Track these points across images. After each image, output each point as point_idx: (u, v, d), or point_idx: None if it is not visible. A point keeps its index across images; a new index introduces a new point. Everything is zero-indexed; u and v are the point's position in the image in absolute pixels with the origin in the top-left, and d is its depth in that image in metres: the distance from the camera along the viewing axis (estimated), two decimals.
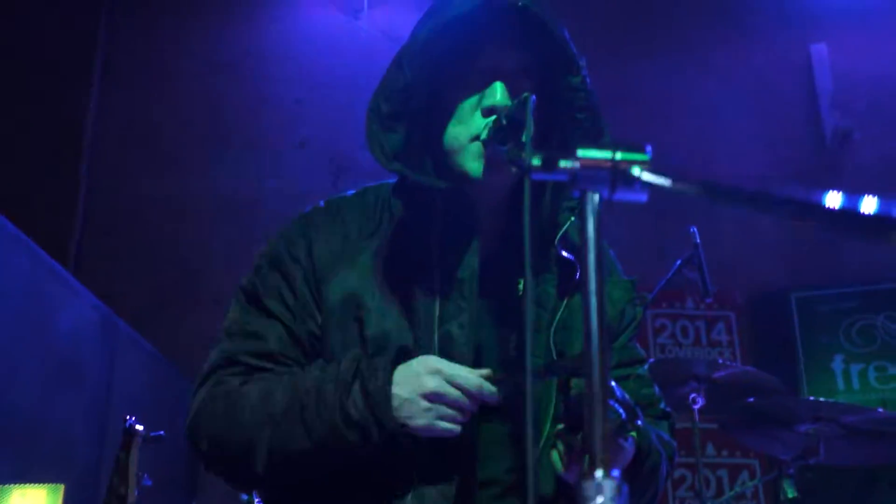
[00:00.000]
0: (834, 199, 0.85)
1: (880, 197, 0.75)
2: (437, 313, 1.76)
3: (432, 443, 1.67)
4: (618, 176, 1.25)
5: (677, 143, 6.72)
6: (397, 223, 1.89)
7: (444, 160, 1.87)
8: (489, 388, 1.66)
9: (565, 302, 1.85)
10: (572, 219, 1.76)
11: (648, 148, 1.28)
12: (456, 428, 1.65)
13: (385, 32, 6.63)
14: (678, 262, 4.62)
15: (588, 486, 1.12)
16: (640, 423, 1.69)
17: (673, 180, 1.20)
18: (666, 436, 1.96)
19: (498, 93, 1.77)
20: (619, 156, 1.26)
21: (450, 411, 1.64)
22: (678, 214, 4.77)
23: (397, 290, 1.79)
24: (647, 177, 1.24)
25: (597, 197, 1.26)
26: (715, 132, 6.85)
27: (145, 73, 6.69)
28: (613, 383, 1.66)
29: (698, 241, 4.52)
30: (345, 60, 6.63)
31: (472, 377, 1.65)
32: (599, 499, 1.11)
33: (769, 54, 7.09)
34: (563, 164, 1.28)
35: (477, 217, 1.84)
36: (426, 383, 1.63)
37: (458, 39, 1.82)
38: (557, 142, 1.87)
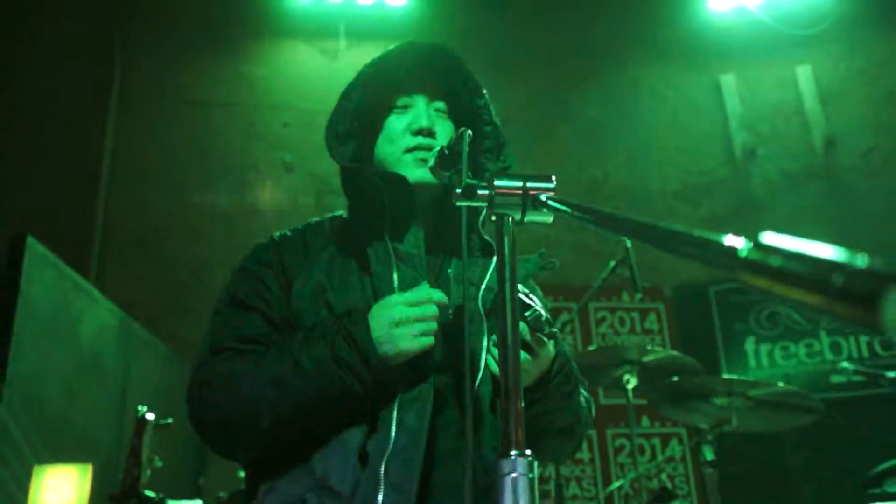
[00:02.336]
0: (699, 236, 0.86)
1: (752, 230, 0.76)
2: (395, 283, 1.81)
3: (410, 373, 1.72)
4: (527, 201, 1.29)
5: (613, 155, 6.79)
6: (349, 223, 2.00)
7: (385, 165, 1.97)
8: (438, 295, 1.72)
9: (488, 275, 1.90)
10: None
11: (553, 178, 1.32)
12: (431, 339, 1.69)
13: (357, 69, 6.66)
14: (612, 263, 4.67)
15: (505, 463, 1.16)
16: (554, 331, 1.75)
17: (573, 208, 1.24)
18: (583, 391, 2.03)
19: (421, 104, 1.96)
20: (529, 184, 1.30)
21: (421, 326, 1.68)
22: None
23: (358, 273, 1.84)
24: (553, 203, 1.28)
25: (510, 219, 1.31)
26: (644, 147, 6.91)
27: (156, 107, 6.68)
28: (534, 297, 1.72)
29: (629, 244, 4.57)
30: (324, 95, 6.63)
31: (421, 292, 1.72)
32: (514, 474, 1.15)
33: (688, 82, 7.15)
34: (481, 192, 1.33)
35: (416, 206, 1.91)
36: (393, 315, 1.68)
37: (390, 74, 1.97)
38: (471, 150, 1.88)
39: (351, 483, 1.66)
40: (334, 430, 1.72)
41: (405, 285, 1.80)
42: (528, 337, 1.67)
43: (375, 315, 1.70)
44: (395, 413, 1.70)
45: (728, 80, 7.09)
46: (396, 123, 1.96)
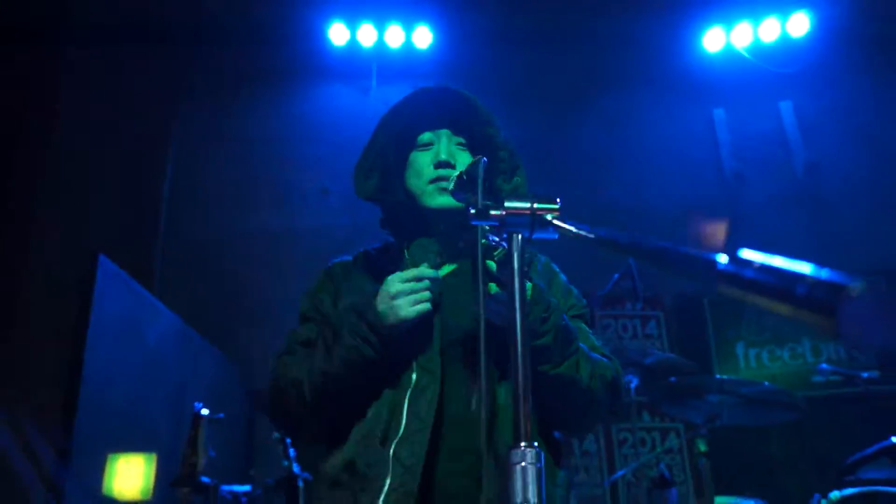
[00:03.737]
0: (685, 252, 0.86)
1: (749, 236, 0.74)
2: None
3: (417, 356, 1.82)
4: (535, 221, 1.29)
5: (614, 181, 6.76)
6: (384, 245, 2.13)
7: (409, 198, 2.06)
8: (428, 271, 1.82)
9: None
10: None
11: (558, 199, 1.32)
12: (427, 306, 1.79)
13: (388, 105, 6.69)
14: (616, 275, 4.65)
15: (515, 453, 1.16)
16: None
17: (576, 228, 1.24)
18: (605, 359, 1.97)
19: (443, 139, 2.03)
20: (536, 205, 1.30)
21: (415, 296, 1.78)
22: None
23: (385, 273, 1.90)
24: (558, 222, 1.28)
25: (520, 236, 1.31)
26: (643, 173, 6.87)
27: (211, 141, 6.74)
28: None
29: (632, 258, 4.55)
30: (357, 126, 6.66)
31: (413, 270, 1.83)
32: (523, 463, 1.15)
33: (684, 114, 7.13)
34: (493, 212, 1.33)
35: (431, 228, 2.03)
36: (390, 289, 1.79)
37: (411, 116, 2.06)
38: (488, 174, 1.97)
39: (371, 464, 1.74)
40: (362, 422, 1.82)
41: None
42: (494, 271, 1.70)
43: (380, 293, 1.81)
44: (406, 403, 1.77)
45: (719, 113, 7.07)
46: (421, 158, 2.03)
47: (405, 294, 1.77)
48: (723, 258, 0.74)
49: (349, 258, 2.15)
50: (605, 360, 1.97)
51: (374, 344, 1.78)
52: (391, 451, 1.72)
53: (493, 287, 1.70)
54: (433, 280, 1.81)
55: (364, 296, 1.85)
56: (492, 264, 1.68)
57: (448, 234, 2.01)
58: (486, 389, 1.48)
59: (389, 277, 1.81)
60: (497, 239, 1.72)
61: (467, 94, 2.05)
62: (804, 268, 0.63)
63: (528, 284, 1.76)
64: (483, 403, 1.60)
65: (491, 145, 2.04)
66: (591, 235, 1.15)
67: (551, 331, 1.78)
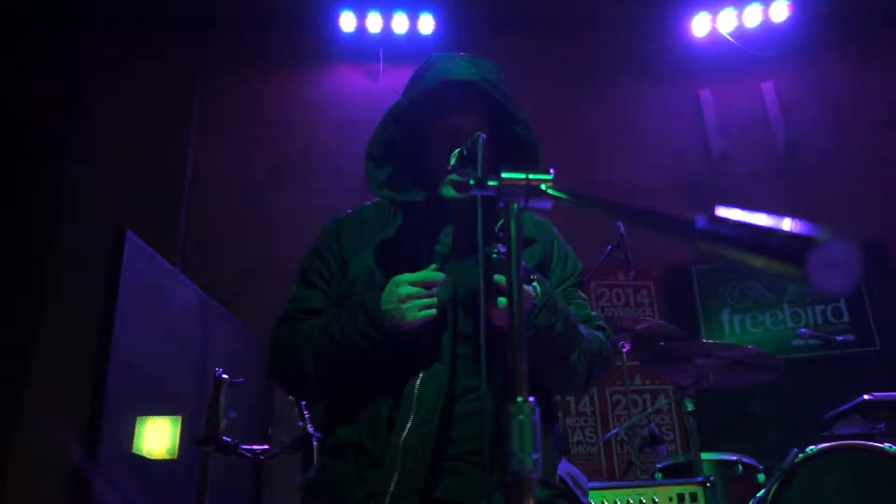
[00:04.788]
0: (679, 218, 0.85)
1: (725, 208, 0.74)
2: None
3: (427, 344, 1.78)
4: (529, 190, 1.28)
5: (609, 158, 6.75)
6: (397, 223, 1.97)
7: (426, 183, 1.97)
8: (438, 275, 1.76)
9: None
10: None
11: (552, 170, 1.31)
12: (433, 311, 1.73)
13: (395, 90, 6.58)
14: (609, 247, 4.64)
15: (512, 408, 1.16)
16: (536, 276, 1.78)
17: (568, 195, 1.23)
18: (598, 333, 1.99)
19: (463, 129, 1.85)
20: (530, 176, 1.29)
21: (422, 301, 1.72)
22: None
23: (399, 263, 1.84)
24: (551, 191, 1.27)
25: (515, 205, 1.30)
26: (635, 150, 6.86)
27: (229, 122, 6.74)
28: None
29: (623, 231, 4.55)
30: (367, 109, 6.63)
31: (423, 273, 1.75)
32: (520, 416, 1.15)
33: (673, 96, 7.11)
34: (490, 182, 1.32)
35: (447, 216, 1.95)
36: (399, 292, 1.72)
37: (430, 105, 1.93)
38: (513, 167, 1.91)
39: (380, 446, 1.73)
40: (368, 402, 1.79)
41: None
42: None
43: (387, 291, 1.74)
44: (416, 390, 1.74)
45: (706, 94, 7.07)
46: (440, 146, 1.87)
47: (413, 298, 1.71)
48: (702, 218, 0.75)
49: (359, 209, 2.08)
50: (598, 333, 1.99)
51: (378, 344, 1.74)
52: (401, 440, 1.70)
53: (502, 301, 1.67)
54: (441, 284, 1.76)
55: (374, 288, 1.80)
56: (501, 278, 1.66)
57: (465, 224, 1.95)
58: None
59: (398, 278, 1.75)
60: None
61: (496, 90, 1.92)
62: (775, 222, 0.63)
63: (538, 287, 1.75)
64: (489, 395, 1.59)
65: (514, 139, 1.93)
66: (584, 200, 1.14)
67: (558, 334, 1.79)
